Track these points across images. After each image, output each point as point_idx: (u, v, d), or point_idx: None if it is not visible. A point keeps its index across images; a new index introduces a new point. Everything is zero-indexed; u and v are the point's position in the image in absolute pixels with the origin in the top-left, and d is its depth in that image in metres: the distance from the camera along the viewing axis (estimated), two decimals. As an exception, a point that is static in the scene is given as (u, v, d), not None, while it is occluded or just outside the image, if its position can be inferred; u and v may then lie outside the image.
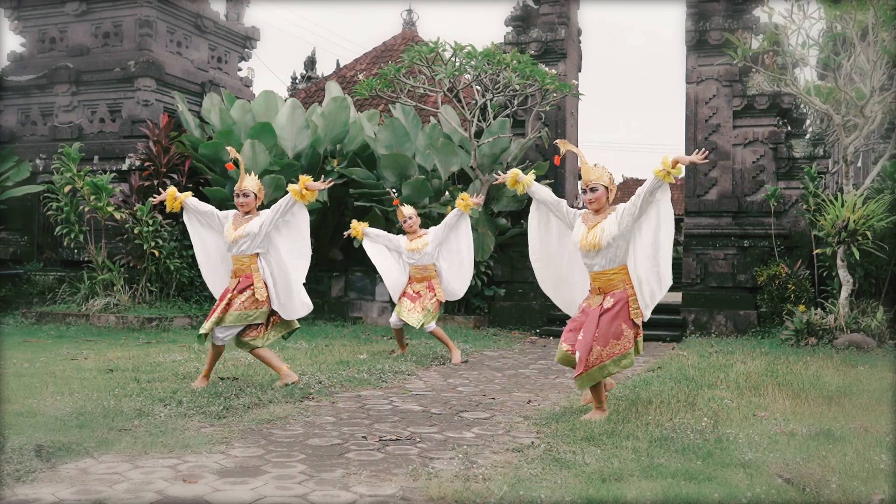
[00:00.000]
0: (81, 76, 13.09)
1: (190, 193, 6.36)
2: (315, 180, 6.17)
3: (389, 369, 7.20)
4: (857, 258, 9.50)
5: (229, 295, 6.04)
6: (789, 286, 10.44)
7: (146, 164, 12.04)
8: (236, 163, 6.32)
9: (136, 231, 11.16)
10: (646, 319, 5.23)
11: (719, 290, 11.37)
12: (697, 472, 3.78)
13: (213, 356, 6.11)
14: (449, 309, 11.93)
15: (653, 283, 5.14)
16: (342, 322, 11.82)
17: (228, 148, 6.60)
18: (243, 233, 6.00)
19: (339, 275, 12.33)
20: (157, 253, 11.24)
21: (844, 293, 9.56)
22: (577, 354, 5.00)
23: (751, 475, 3.73)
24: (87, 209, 11.28)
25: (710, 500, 3.36)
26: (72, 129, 13.13)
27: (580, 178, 5.22)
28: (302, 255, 6.22)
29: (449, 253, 8.07)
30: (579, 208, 5.52)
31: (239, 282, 6.05)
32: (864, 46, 9.65)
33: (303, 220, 6.20)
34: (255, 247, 6.04)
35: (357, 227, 8.13)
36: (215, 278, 6.41)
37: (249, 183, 6.15)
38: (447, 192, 11.51)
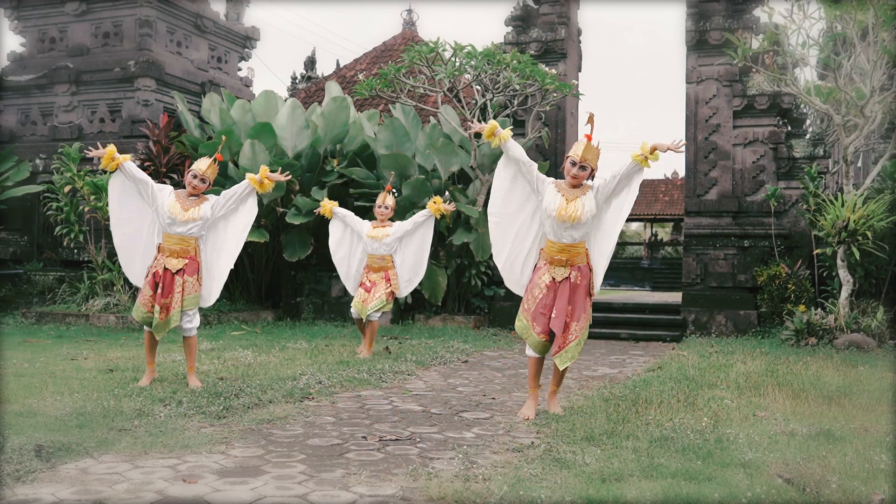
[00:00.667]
0: (81, 76, 13.09)
1: (130, 157, 6.15)
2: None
3: (389, 369, 7.20)
4: (858, 258, 9.50)
5: (182, 278, 5.94)
6: (789, 286, 10.44)
7: (146, 164, 12.03)
8: (222, 154, 6.29)
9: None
10: (596, 293, 5.40)
11: (719, 290, 11.37)
12: (697, 472, 3.78)
13: (149, 345, 6.11)
14: (449, 309, 11.94)
15: (605, 259, 5.33)
16: (342, 322, 11.82)
17: (223, 138, 6.57)
18: (197, 216, 5.93)
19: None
20: (157, 253, 11.23)
21: (844, 293, 9.56)
22: (547, 339, 5.19)
23: (751, 475, 3.73)
24: (87, 209, 11.28)
25: (710, 500, 3.36)
26: (72, 129, 13.13)
27: (573, 153, 5.19)
28: (238, 244, 6.19)
29: (406, 249, 8.22)
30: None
31: (187, 263, 5.96)
32: (864, 46, 9.65)
33: (251, 209, 6.17)
34: (202, 230, 6.03)
35: (326, 206, 8.30)
36: (132, 255, 6.14)
37: (212, 171, 6.11)
38: (447, 192, 11.50)
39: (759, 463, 3.94)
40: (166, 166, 11.82)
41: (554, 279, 5.21)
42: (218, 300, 11.96)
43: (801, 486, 3.56)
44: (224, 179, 11.60)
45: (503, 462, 4.07)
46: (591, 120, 5.26)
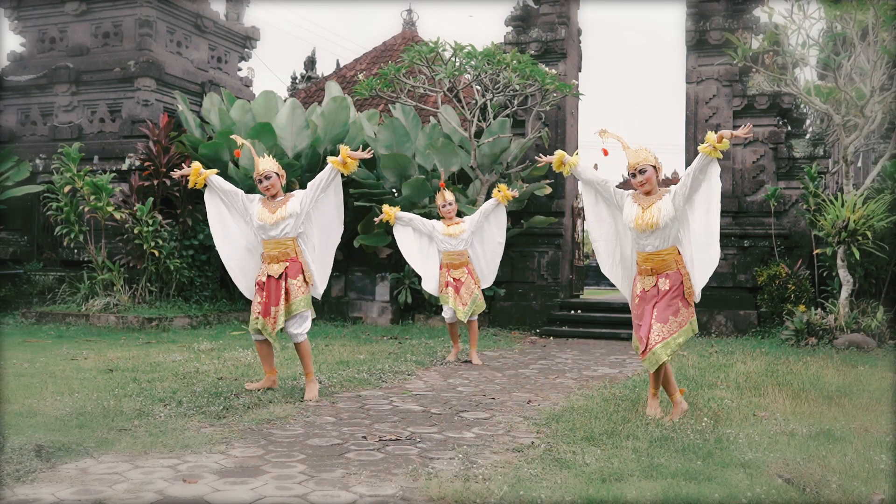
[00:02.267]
0: (81, 76, 13.09)
1: (215, 171, 6.06)
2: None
3: (389, 369, 7.20)
4: (858, 258, 9.50)
5: (284, 283, 5.77)
6: (789, 286, 10.44)
7: (146, 164, 12.04)
8: (243, 149, 6.16)
9: (136, 231, 11.16)
10: (697, 300, 5.26)
11: (719, 290, 11.37)
12: (697, 472, 3.78)
13: (261, 354, 6.00)
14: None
15: (706, 263, 5.18)
16: (342, 322, 11.82)
17: (234, 136, 6.48)
18: (286, 213, 5.76)
19: (339, 275, 12.31)
20: (157, 253, 11.24)
21: (844, 293, 9.56)
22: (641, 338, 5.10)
23: (751, 475, 3.73)
24: (87, 209, 11.28)
25: (710, 500, 3.36)
26: (72, 129, 13.13)
27: (627, 166, 5.17)
28: (339, 224, 6.05)
29: (482, 241, 8.16)
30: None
31: (288, 266, 5.80)
32: (864, 46, 9.65)
33: (338, 191, 6.00)
34: (298, 227, 5.84)
35: (389, 212, 8.00)
36: (242, 269, 6.06)
37: (269, 164, 5.93)
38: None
39: (759, 463, 3.94)
40: (166, 166, 11.82)
41: (644, 290, 5.19)
42: (217, 300, 12.11)
43: (801, 486, 3.56)
44: (224, 179, 11.60)
45: (503, 462, 4.07)
46: (602, 134, 5.27)
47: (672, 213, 5.02)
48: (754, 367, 7.37)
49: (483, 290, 11.92)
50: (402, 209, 11.20)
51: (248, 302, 12.34)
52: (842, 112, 10.05)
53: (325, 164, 12.48)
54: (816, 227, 10.11)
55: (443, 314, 8.25)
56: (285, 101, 12.31)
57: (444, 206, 8.10)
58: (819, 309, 9.85)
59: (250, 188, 11.55)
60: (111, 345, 8.77)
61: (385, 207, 8.11)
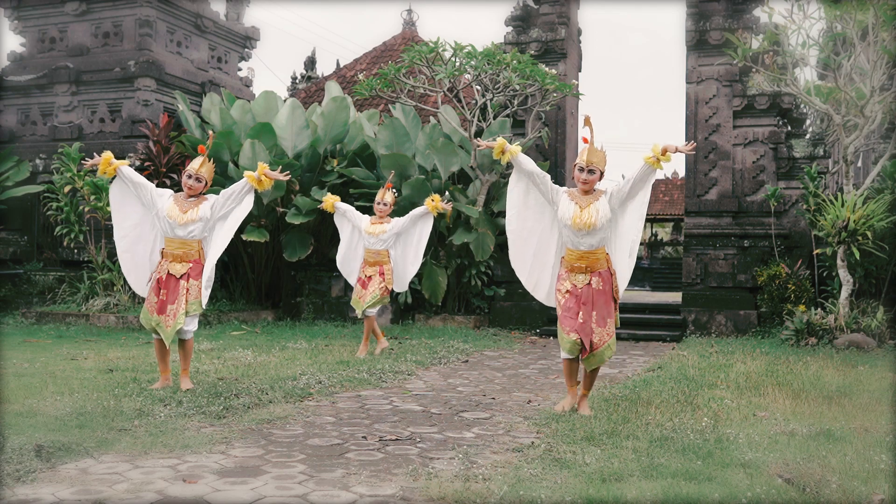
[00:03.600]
0: (81, 76, 13.09)
1: (126, 162, 6.10)
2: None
3: (389, 369, 7.20)
4: (858, 258, 9.50)
5: (186, 283, 5.83)
6: (789, 286, 10.44)
7: (146, 164, 12.03)
8: (206, 146, 6.16)
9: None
10: (619, 298, 5.41)
11: (719, 290, 11.37)
12: (697, 472, 3.78)
13: (159, 353, 6.00)
14: (449, 309, 11.94)
15: (626, 263, 5.35)
16: (342, 322, 11.82)
17: (210, 133, 6.51)
18: (195, 216, 5.83)
19: (339, 275, 12.28)
20: (156, 253, 11.23)
21: (844, 293, 9.56)
22: (580, 338, 5.16)
23: (751, 475, 3.73)
24: (86, 209, 11.28)
25: (710, 501, 3.36)
26: (72, 129, 13.13)
27: (582, 160, 5.21)
28: (226, 241, 6.01)
29: (405, 245, 8.34)
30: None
31: (191, 266, 5.86)
32: (864, 46, 9.65)
33: (246, 207, 6.02)
34: (204, 231, 5.92)
35: (329, 200, 8.42)
36: (133, 259, 6.11)
37: (206, 170, 6.00)
38: (447, 192, 11.50)
39: (759, 463, 3.94)
40: (166, 166, 11.82)
41: (575, 285, 5.24)
42: (217, 300, 12.09)
43: (801, 486, 3.56)
44: (224, 179, 11.60)
45: (503, 462, 4.07)
46: (587, 122, 5.28)
47: (609, 215, 5.15)
48: (754, 367, 7.37)
49: (483, 290, 12.05)
50: (403, 209, 11.22)
51: (249, 302, 12.45)
52: (842, 112, 10.05)
53: (325, 164, 12.54)
54: (816, 227, 10.11)
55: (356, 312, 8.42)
56: (285, 101, 12.32)
57: (378, 203, 8.27)
58: (819, 309, 9.85)
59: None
60: (111, 345, 8.77)
61: (326, 197, 8.49)
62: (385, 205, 8.25)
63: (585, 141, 5.28)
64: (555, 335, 11.16)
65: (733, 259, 11.38)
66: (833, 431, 4.64)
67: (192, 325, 5.99)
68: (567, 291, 5.26)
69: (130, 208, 6.07)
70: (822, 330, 9.28)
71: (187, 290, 5.85)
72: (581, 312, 5.18)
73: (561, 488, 3.53)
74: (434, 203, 8.14)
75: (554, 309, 5.52)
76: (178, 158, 12.01)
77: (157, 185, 11.57)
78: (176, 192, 6.10)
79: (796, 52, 9.96)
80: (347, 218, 8.43)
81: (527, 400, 6.04)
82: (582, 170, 5.19)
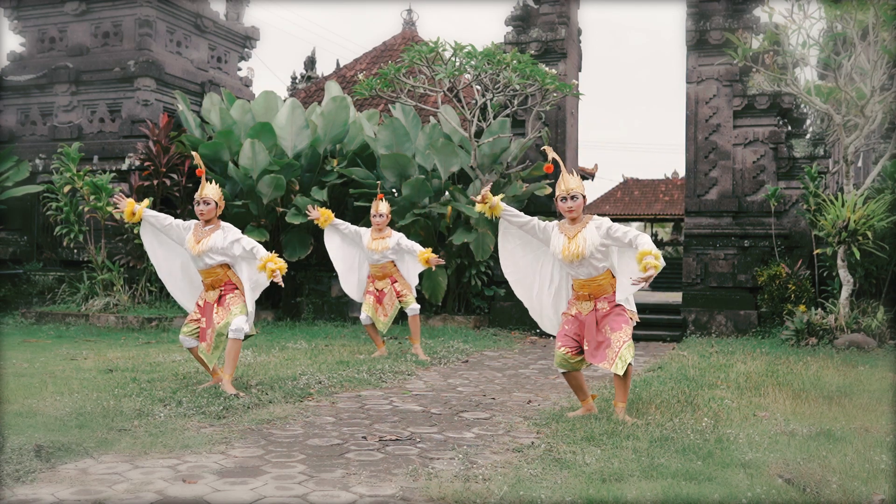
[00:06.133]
0: (81, 76, 13.09)
1: (147, 203, 6.15)
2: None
3: (389, 369, 7.20)
4: (858, 258, 9.49)
5: (221, 308, 5.85)
6: (790, 286, 10.44)
7: (146, 163, 12.04)
8: (201, 167, 6.15)
9: (135, 231, 11.15)
10: (635, 319, 5.25)
11: (719, 290, 11.37)
12: (698, 472, 3.78)
13: (200, 359, 6.02)
14: (449, 309, 11.94)
15: (627, 285, 5.04)
16: (342, 322, 11.82)
17: (193, 153, 6.41)
18: (206, 247, 5.82)
19: (339, 275, 12.32)
20: (156, 253, 11.24)
21: (845, 293, 9.55)
22: (585, 352, 5.09)
23: (751, 475, 3.72)
24: (86, 209, 11.28)
25: (710, 501, 3.36)
26: (71, 129, 13.13)
27: (562, 190, 5.15)
28: (254, 291, 5.91)
29: (413, 258, 8.18)
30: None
31: (223, 290, 5.88)
32: (864, 46, 9.65)
33: (261, 283, 5.87)
34: (225, 257, 5.87)
35: (324, 215, 8.08)
36: (182, 292, 6.28)
37: (210, 191, 5.94)
38: (447, 192, 11.50)
39: (760, 463, 3.94)
40: (166, 166, 11.82)
41: (580, 312, 5.17)
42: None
43: (801, 486, 3.56)
44: (224, 179, 11.61)
45: (503, 462, 4.07)
46: (547, 151, 5.28)
47: (598, 242, 4.99)
48: (754, 367, 7.37)
49: (483, 290, 12.04)
50: (403, 209, 11.24)
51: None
52: (842, 112, 10.05)
53: (325, 164, 12.53)
54: (817, 227, 10.11)
55: (360, 316, 8.30)
56: (285, 100, 12.31)
57: (374, 215, 8.14)
58: (819, 309, 9.85)
59: (249, 187, 11.62)
60: (111, 345, 8.77)
61: (322, 210, 8.17)
62: (381, 216, 8.14)
63: (550, 170, 5.26)
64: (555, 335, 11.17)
65: (733, 259, 11.37)
66: (833, 431, 4.63)
67: (239, 323, 5.78)
68: (571, 316, 5.22)
69: (163, 251, 6.23)
70: (822, 330, 9.27)
71: (223, 308, 5.86)
72: (586, 341, 5.09)
73: (561, 488, 3.53)
74: (426, 256, 7.89)
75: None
76: (177, 158, 12.01)
77: (158, 185, 11.75)
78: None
79: (796, 51, 9.95)
80: (341, 231, 8.23)
81: (527, 400, 6.03)
82: (565, 199, 5.12)
